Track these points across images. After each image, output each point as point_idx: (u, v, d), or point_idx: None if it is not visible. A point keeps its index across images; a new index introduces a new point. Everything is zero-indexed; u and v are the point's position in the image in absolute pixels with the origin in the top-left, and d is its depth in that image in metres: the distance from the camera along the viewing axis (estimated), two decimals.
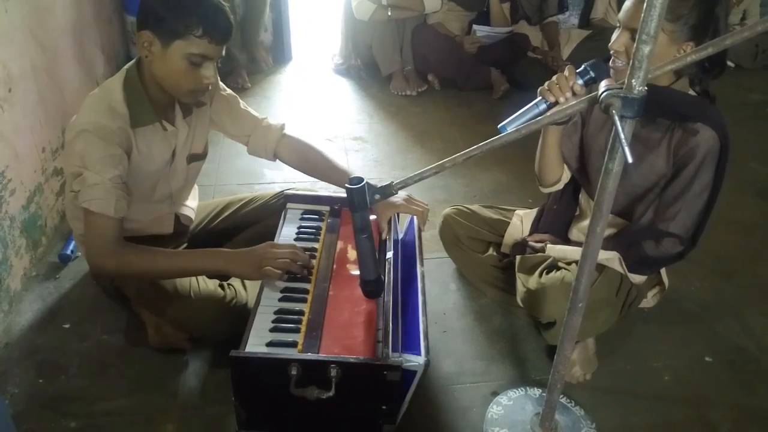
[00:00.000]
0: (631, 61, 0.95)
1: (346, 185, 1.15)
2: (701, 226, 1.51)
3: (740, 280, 2.08)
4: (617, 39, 1.42)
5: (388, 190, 1.16)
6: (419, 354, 1.26)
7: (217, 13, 1.38)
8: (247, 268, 1.46)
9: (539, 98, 1.35)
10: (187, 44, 1.37)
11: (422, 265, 1.50)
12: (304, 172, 1.77)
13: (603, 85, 1.02)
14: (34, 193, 1.98)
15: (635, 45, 0.93)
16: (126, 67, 1.51)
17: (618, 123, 0.96)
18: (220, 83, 1.72)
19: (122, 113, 1.45)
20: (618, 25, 1.44)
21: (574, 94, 1.33)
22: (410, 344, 1.30)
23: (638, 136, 1.48)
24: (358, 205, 1.16)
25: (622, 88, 0.97)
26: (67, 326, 1.76)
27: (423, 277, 1.47)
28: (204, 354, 1.67)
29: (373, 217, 1.52)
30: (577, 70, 1.34)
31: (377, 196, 1.17)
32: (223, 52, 1.44)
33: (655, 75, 1.04)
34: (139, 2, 1.39)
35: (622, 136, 0.95)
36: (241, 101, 1.75)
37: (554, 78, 1.35)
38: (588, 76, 1.34)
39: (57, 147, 2.17)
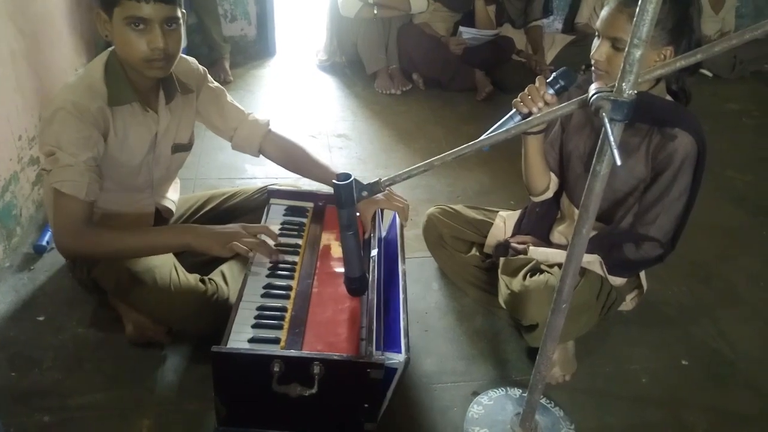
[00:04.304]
0: (621, 65, 0.95)
1: (334, 181, 1.14)
2: (680, 229, 1.54)
3: (716, 285, 2.11)
4: (598, 49, 1.44)
5: (375, 187, 1.15)
6: (400, 352, 1.26)
7: None
8: (214, 244, 1.45)
9: (513, 110, 1.38)
10: (122, 9, 1.34)
11: (404, 263, 1.50)
12: (289, 169, 1.77)
13: (593, 88, 1.02)
14: (9, 182, 1.93)
15: (627, 49, 0.93)
16: (110, 48, 1.49)
17: (608, 125, 0.97)
18: (208, 76, 1.69)
19: (101, 92, 1.44)
20: (597, 34, 1.45)
21: (546, 103, 1.36)
22: (392, 342, 1.29)
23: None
24: (345, 201, 1.15)
25: (612, 91, 0.98)
26: (41, 318, 1.72)
27: (404, 275, 1.46)
28: (182, 349, 1.65)
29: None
30: (548, 80, 1.38)
31: (365, 193, 1.16)
32: (170, 13, 1.36)
33: (645, 79, 1.05)
34: None
35: (611, 138, 0.96)
36: (227, 94, 1.74)
37: (526, 89, 1.37)
38: (558, 85, 1.37)
39: (34, 135, 2.12)
